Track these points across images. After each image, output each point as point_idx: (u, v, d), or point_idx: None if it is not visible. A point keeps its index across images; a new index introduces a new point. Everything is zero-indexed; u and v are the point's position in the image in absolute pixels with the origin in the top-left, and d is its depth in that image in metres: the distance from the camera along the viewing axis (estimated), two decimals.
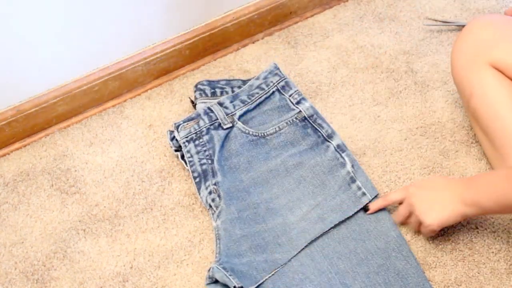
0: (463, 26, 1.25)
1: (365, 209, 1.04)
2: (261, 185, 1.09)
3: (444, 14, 1.39)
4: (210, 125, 1.14)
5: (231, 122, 1.15)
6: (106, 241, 1.06)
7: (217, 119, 1.15)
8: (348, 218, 1.04)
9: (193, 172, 1.10)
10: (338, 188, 1.07)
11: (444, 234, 1.04)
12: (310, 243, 1.02)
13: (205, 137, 1.13)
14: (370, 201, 1.05)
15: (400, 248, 1.00)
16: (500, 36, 1.03)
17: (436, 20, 1.37)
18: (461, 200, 0.94)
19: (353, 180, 1.07)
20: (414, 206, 0.99)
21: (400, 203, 1.02)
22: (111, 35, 1.20)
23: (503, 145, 1.01)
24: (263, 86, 1.19)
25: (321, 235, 1.02)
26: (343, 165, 1.09)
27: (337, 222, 1.03)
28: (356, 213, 1.04)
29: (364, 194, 1.05)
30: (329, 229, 1.03)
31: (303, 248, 1.01)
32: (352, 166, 1.09)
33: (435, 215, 0.96)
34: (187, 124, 1.15)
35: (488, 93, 1.02)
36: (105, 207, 1.11)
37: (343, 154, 1.10)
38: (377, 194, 1.06)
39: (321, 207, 1.05)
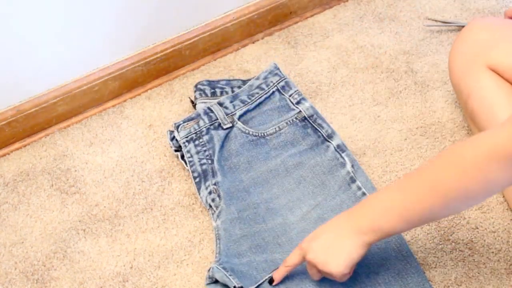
0: (463, 26, 1.25)
1: (270, 282, 0.96)
2: (261, 185, 1.09)
3: (444, 14, 1.39)
4: (210, 125, 1.14)
5: (231, 122, 1.15)
6: (106, 241, 1.06)
7: (217, 119, 1.15)
8: None
9: (193, 172, 1.10)
10: (338, 188, 1.07)
11: (444, 234, 1.04)
12: None
13: (205, 137, 1.13)
14: None
15: (400, 248, 1.00)
16: (497, 38, 1.03)
17: (436, 21, 1.37)
18: (356, 231, 0.84)
19: (353, 180, 1.07)
20: (313, 262, 0.88)
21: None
22: (111, 35, 1.20)
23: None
24: (263, 86, 1.19)
25: None
26: (343, 165, 1.09)
27: None
28: None
29: (364, 194, 1.05)
30: None
31: None
32: (352, 166, 1.09)
33: (336, 261, 0.85)
34: (187, 124, 1.15)
35: (486, 95, 1.02)
36: (105, 207, 1.11)
37: (343, 154, 1.10)
38: None
39: (321, 207, 1.05)
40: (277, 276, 0.95)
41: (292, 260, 0.92)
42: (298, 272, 0.98)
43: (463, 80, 1.06)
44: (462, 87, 1.06)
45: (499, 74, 1.02)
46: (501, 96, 1.01)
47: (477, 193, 0.75)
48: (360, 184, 1.06)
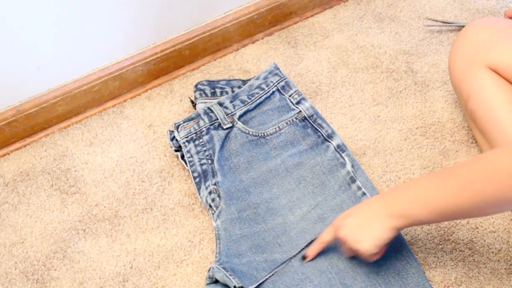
0: (463, 26, 1.25)
1: (303, 257, 0.99)
2: (261, 185, 1.09)
3: (444, 14, 1.39)
4: (210, 125, 1.14)
5: (231, 122, 1.15)
6: (106, 241, 1.06)
7: (217, 119, 1.15)
8: None
9: (193, 172, 1.10)
10: (338, 188, 1.07)
11: (444, 234, 1.04)
12: (310, 243, 1.02)
13: (205, 137, 1.13)
14: None
15: (400, 248, 1.00)
16: (497, 38, 1.03)
17: (436, 21, 1.37)
18: (388, 215, 0.87)
19: (353, 180, 1.07)
20: (344, 238, 0.91)
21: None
22: (111, 35, 1.20)
23: (501, 147, 1.01)
24: (263, 86, 1.19)
25: None
26: (343, 165, 1.09)
27: None
28: None
29: (364, 194, 1.05)
30: None
31: (303, 248, 1.01)
32: (352, 166, 1.09)
33: (366, 240, 0.89)
34: (187, 124, 1.15)
35: (486, 95, 1.02)
36: (105, 207, 1.11)
37: (343, 154, 1.10)
38: (377, 194, 1.06)
39: (321, 207, 1.05)
40: (310, 253, 0.98)
41: (325, 237, 0.95)
42: (298, 272, 0.98)
43: (463, 80, 1.06)
44: (462, 88, 1.06)
45: (498, 74, 1.02)
46: (500, 95, 1.01)
47: (509, 201, 0.77)
48: (360, 184, 1.06)
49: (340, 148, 1.11)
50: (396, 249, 1.00)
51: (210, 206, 1.06)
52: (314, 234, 1.02)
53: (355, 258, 0.99)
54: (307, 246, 1.01)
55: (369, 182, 1.07)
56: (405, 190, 0.88)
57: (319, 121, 1.14)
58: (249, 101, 1.18)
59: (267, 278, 0.97)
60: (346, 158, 1.10)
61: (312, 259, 0.99)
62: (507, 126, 0.99)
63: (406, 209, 0.86)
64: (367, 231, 0.89)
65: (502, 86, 1.01)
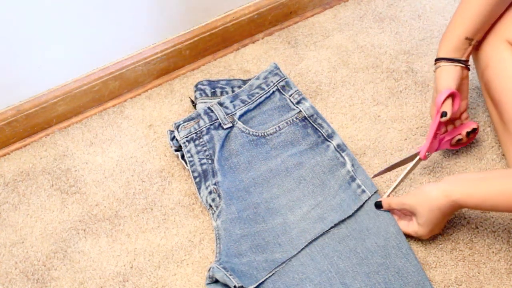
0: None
1: (376, 205, 1.04)
2: (261, 185, 1.09)
3: (445, 14, 1.39)
4: (210, 125, 1.14)
5: (231, 122, 1.15)
6: (106, 241, 1.06)
7: (217, 119, 1.15)
8: (348, 216, 1.04)
9: (193, 172, 1.10)
10: (338, 187, 1.07)
11: (444, 234, 1.04)
12: (310, 243, 1.02)
13: (205, 137, 1.13)
14: (369, 197, 1.05)
15: (400, 245, 1.00)
16: None
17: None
18: (447, 194, 0.93)
19: (353, 179, 1.07)
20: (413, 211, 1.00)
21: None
22: (111, 35, 1.20)
23: None
24: (263, 86, 1.19)
25: (321, 235, 1.02)
26: (343, 164, 1.09)
27: (337, 222, 1.03)
28: (356, 211, 1.04)
29: (363, 191, 1.05)
30: (329, 229, 1.03)
31: (303, 248, 1.01)
32: (352, 165, 1.09)
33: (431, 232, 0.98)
34: (187, 124, 1.15)
35: (503, 67, 1.02)
36: (105, 207, 1.11)
37: (343, 154, 1.10)
38: (377, 191, 1.06)
39: (321, 207, 1.05)
40: (387, 204, 1.03)
41: (407, 201, 1.00)
42: (298, 272, 0.98)
43: (482, 50, 1.06)
44: (481, 57, 1.06)
45: None
46: None
47: None
48: (360, 182, 1.06)
49: (340, 148, 1.11)
50: (395, 246, 1.00)
51: (210, 206, 1.06)
52: (314, 234, 1.02)
53: (355, 257, 0.99)
54: (307, 246, 1.01)
55: (368, 179, 1.07)
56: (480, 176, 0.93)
57: (319, 121, 1.14)
58: (249, 101, 1.18)
59: (267, 278, 0.97)
60: (346, 158, 1.10)
61: (312, 259, 1.00)
62: None
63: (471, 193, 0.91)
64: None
65: None
